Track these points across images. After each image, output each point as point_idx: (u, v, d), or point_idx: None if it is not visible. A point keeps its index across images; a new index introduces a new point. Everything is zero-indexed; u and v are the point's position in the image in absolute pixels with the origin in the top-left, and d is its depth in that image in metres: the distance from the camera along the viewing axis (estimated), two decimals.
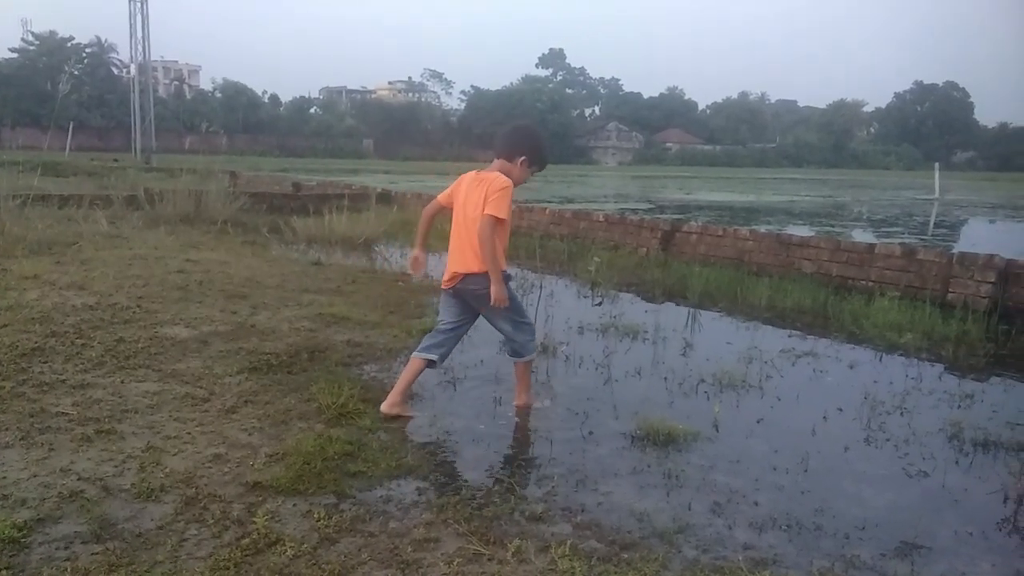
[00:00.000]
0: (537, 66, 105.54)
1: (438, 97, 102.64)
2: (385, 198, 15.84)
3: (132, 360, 4.54)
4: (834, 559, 2.65)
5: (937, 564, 2.65)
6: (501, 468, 3.33)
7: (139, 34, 44.85)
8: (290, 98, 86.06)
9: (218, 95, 78.75)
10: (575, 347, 5.34)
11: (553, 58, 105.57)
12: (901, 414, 4.21)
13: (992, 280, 6.56)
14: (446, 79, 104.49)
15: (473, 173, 3.92)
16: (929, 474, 3.44)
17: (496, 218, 3.68)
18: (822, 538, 2.81)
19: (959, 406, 4.40)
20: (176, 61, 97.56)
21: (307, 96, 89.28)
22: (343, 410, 3.80)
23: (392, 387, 3.98)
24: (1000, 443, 3.78)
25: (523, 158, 3.88)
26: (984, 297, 6.54)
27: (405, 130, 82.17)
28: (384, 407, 3.87)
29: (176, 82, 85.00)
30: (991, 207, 25.85)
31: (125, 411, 3.74)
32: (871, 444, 3.79)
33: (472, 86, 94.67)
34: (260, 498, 2.91)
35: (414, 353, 4.01)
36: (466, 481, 3.17)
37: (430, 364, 3.97)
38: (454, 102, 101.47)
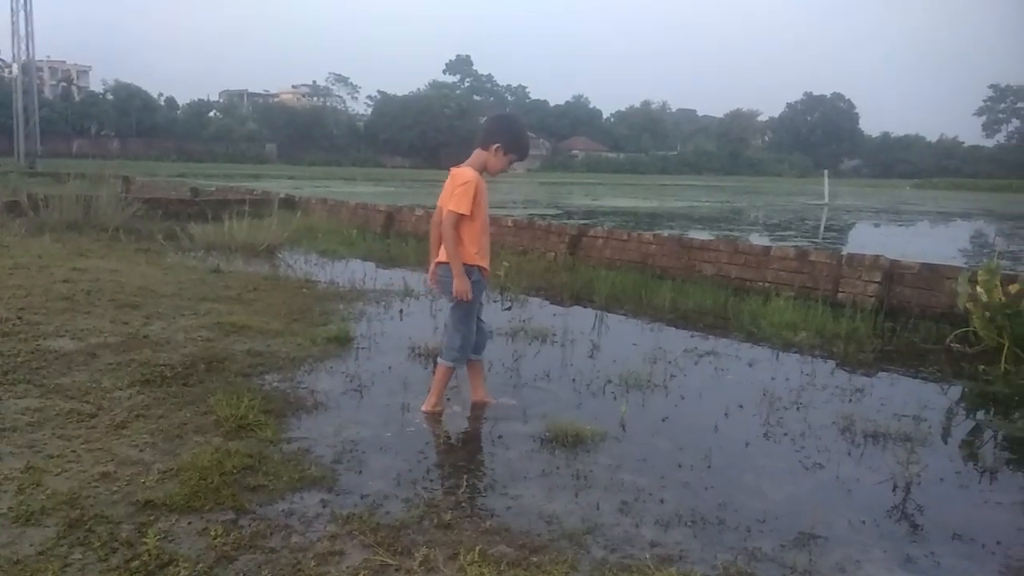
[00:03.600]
0: (444, 72, 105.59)
1: (344, 102, 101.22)
2: (289, 203, 15.45)
3: (11, 375, 4.24)
4: (737, 552, 2.71)
5: (833, 553, 2.75)
6: (408, 476, 3.26)
7: (22, 31, 42.40)
8: (188, 101, 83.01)
9: (109, 97, 75.19)
10: (485, 352, 5.30)
11: (460, 64, 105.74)
12: (797, 409, 4.37)
13: (878, 280, 6.93)
14: (352, 83, 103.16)
15: (453, 169, 4.01)
16: (824, 466, 3.57)
17: (456, 213, 3.79)
18: (725, 532, 2.87)
19: (850, 400, 4.60)
20: (63, 61, 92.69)
21: (206, 99, 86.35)
22: (243, 422, 3.65)
23: (294, 397, 3.86)
24: (888, 434, 3.97)
25: (497, 145, 3.94)
26: (871, 296, 6.90)
27: (310, 135, 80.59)
28: (424, 409, 4.04)
29: (63, 83, 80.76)
30: (875, 211, 27.41)
31: (2, 430, 3.48)
32: (770, 439, 3.91)
33: (379, 91, 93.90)
34: (152, 517, 2.75)
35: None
36: (372, 491, 3.08)
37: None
38: (360, 107, 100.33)
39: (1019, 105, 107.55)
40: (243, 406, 3.77)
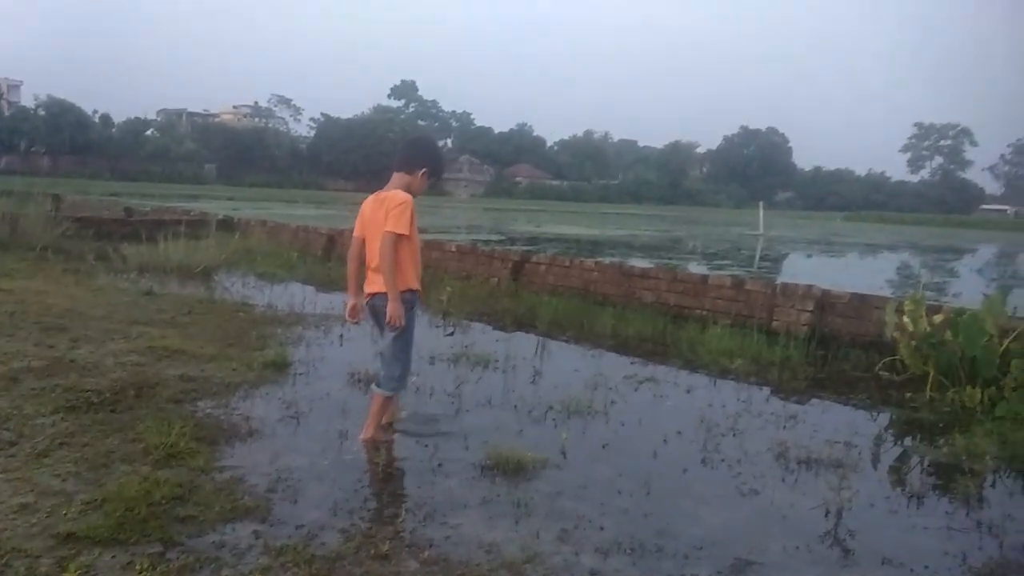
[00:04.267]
0: (389, 96, 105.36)
1: (286, 123, 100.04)
2: (227, 225, 15.13)
3: None
4: None
5: None
6: (345, 506, 3.19)
7: None
8: (124, 119, 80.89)
9: (41, 113, 72.71)
10: (426, 378, 5.26)
11: (405, 89, 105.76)
12: (734, 435, 4.45)
13: (810, 309, 7.12)
14: (295, 105, 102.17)
15: (372, 196, 3.99)
16: (760, 492, 3.63)
17: (396, 234, 3.77)
18: (663, 559, 2.88)
19: (784, 427, 4.70)
20: None
21: (143, 117, 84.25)
22: (173, 450, 3.53)
23: (228, 424, 3.75)
24: (820, 460, 4.06)
25: (425, 169, 3.99)
26: (804, 325, 7.08)
27: (250, 156, 79.33)
28: (362, 438, 3.95)
29: None
30: (808, 242, 28.27)
31: None
32: (707, 465, 3.96)
33: (322, 113, 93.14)
34: (73, 551, 2.63)
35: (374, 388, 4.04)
36: (308, 521, 3.01)
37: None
38: (303, 129, 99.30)
39: (941, 143, 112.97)
40: (174, 433, 3.66)
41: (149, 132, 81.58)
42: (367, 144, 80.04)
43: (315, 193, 63.76)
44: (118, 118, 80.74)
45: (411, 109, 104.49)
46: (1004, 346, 5.37)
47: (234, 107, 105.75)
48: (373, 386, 4.07)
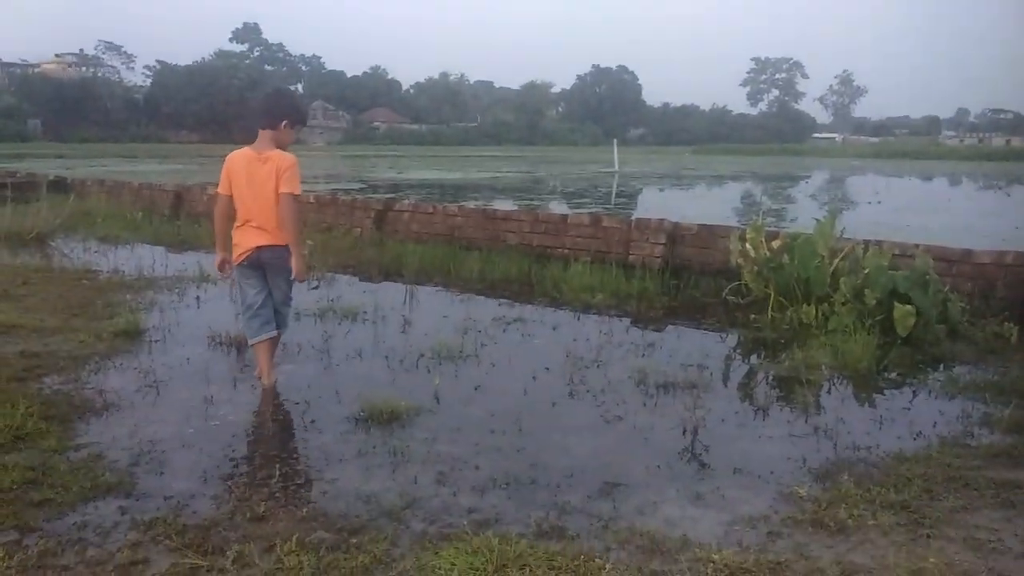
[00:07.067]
0: (231, 40, 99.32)
1: (118, 72, 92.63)
2: (60, 186, 14.01)
3: None
4: (548, 508, 2.86)
5: (634, 498, 2.98)
6: (216, 472, 3.12)
7: None
8: None
9: None
10: (293, 334, 5.14)
11: (248, 32, 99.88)
12: (598, 367, 4.66)
13: (663, 242, 7.47)
14: (126, 52, 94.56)
15: (243, 153, 4.04)
16: (623, 418, 3.85)
17: (295, 195, 3.97)
18: (537, 491, 3.02)
19: (643, 354, 4.97)
20: None
21: None
22: (20, 432, 3.31)
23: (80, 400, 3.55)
24: (677, 383, 4.33)
25: (286, 121, 4.07)
26: (657, 257, 7.43)
27: (80, 109, 73.07)
28: (267, 384, 4.13)
29: None
30: (660, 177, 29.45)
31: None
32: (574, 397, 4.14)
33: (158, 61, 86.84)
34: None
35: (252, 341, 4.13)
36: (176, 492, 2.92)
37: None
38: (138, 78, 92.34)
39: (777, 76, 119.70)
40: (19, 414, 3.43)
41: None
42: (211, 92, 75.66)
43: (157, 147, 59.88)
44: None
45: (256, 53, 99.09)
46: (834, 265, 5.85)
47: (56, 56, 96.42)
48: (269, 331, 4.16)
